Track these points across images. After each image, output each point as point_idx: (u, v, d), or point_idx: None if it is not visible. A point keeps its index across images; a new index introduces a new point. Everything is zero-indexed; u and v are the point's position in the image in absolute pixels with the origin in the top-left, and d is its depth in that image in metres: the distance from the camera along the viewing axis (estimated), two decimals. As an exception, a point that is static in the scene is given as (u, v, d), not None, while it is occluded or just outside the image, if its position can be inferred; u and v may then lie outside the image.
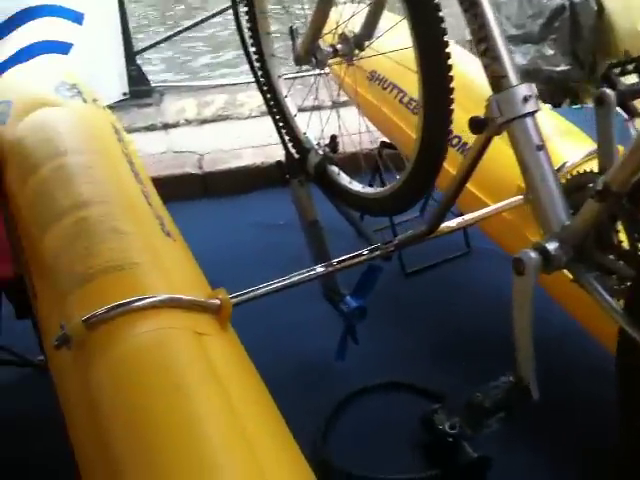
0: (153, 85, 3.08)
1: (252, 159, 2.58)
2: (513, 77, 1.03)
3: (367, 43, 1.29)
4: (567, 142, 1.53)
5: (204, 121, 2.85)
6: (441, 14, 1.04)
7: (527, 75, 3.00)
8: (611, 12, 2.61)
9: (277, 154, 2.55)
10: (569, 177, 1.05)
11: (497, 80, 1.03)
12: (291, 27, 1.36)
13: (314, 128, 1.54)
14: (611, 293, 0.92)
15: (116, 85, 2.87)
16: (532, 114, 1.03)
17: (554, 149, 1.46)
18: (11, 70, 1.80)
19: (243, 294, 1.16)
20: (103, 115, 1.61)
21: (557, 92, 2.91)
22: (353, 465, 1.37)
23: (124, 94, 2.89)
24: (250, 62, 1.42)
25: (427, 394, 1.53)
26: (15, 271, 1.28)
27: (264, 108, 2.81)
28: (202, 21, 3.17)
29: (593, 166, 1.40)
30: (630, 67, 1.05)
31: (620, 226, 0.93)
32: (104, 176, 1.33)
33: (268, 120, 2.77)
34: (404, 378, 1.58)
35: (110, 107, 2.91)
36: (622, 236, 0.94)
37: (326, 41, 1.34)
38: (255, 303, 1.22)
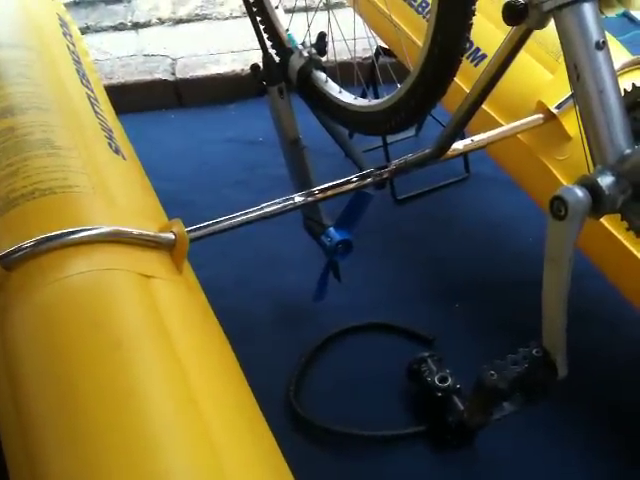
0: (124, -22, 2.74)
1: (231, 65, 2.31)
2: None
3: None
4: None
5: (179, 21, 2.54)
6: None
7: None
8: None
9: (260, 59, 2.31)
10: (628, 91, 0.82)
11: None
12: None
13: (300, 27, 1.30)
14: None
15: (81, -25, 2.55)
16: None
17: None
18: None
19: (203, 227, 0.95)
20: (47, 3, 1.35)
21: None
22: (331, 418, 1.21)
23: (90, -13, 2.58)
24: None
25: (415, 336, 1.37)
26: None
27: (247, 8, 2.55)
28: None
29: (631, 79, 1.20)
30: None
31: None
32: (41, 76, 1.10)
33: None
34: (389, 319, 1.41)
35: (76, 3, 2.64)
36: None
37: None
38: (228, 232, 1.02)
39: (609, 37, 1.34)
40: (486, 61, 1.29)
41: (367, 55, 1.98)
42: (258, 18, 1.25)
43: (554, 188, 1.18)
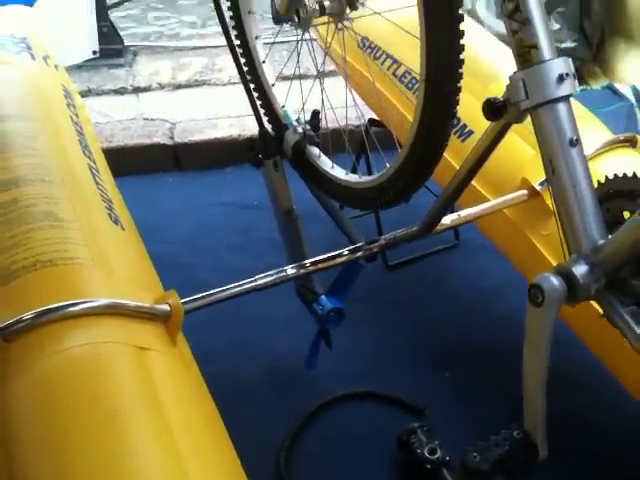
0: (126, 44, 2.84)
1: (228, 130, 2.38)
2: (547, 48, 0.82)
3: (361, 0, 1.09)
4: (581, 129, 1.35)
5: (179, 86, 2.63)
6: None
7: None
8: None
9: (256, 126, 2.39)
10: (601, 183, 0.87)
11: (526, 51, 0.82)
12: None
13: (294, 101, 1.35)
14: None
15: (85, 42, 2.64)
16: (567, 98, 0.83)
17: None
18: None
19: (198, 299, 0.98)
20: (53, 75, 1.41)
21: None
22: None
23: (94, 52, 2.66)
24: (221, 18, 1.22)
25: (405, 406, 1.38)
26: None
27: (245, 75, 2.64)
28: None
29: (612, 158, 1.26)
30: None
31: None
32: (45, 148, 1.14)
33: (249, 88, 2.59)
34: (380, 386, 1.42)
35: (78, 67, 2.72)
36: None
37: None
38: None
39: (591, 115, 1.42)
40: (473, 137, 1.35)
41: (359, 123, 2.06)
42: (255, 94, 1.30)
43: (539, 262, 1.22)
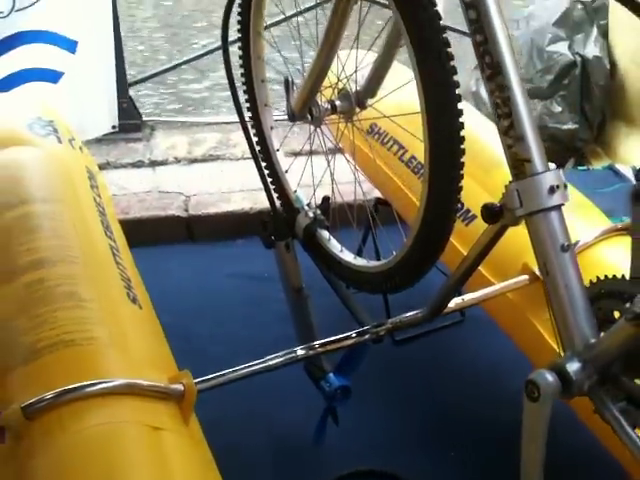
0: (144, 119, 2.97)
1: (241, 204, 2.46)
2: (539, 162, 0.89)
3: (370, 102, 1.17)
4: (579, 217, 1.40)
5: (194, 160, 2.73)
6: (456, 78, 0.92)
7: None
8: (624, 73, 2.56)
9: (266, 200, 2.46)
10: (596, 281, 0.92)
11: (520, 164, 0.89)
12: (287, 78, 1.24)
13: (305, 183, 1.43)
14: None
15: (105, 117, 2.76)
16: (558, 207, 0.90)
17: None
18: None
19: (210, 379, 1.02)
20: (78, 157, 1.48)
21: (562, 152, 2.83)
22: None
23: (113, 127, 2.78)
24: (239, 110, 1.30)
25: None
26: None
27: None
28: (195, 58, 3.10)
29: (608, 247, 1.30)
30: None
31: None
32: (69, 230, 1.20)
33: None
34: (385, 465, 1.43)
35: (98, 140, 2.83)
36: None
37: (324, 95, 1.22)
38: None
39: (589, 203, 1.48)
40: (476, 222, 1.41)
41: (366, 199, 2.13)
42: (269, 179, 1.38)
43: (540, 344, 1.25)
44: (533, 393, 0.81)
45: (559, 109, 2.51)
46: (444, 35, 0.89)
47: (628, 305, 0.82)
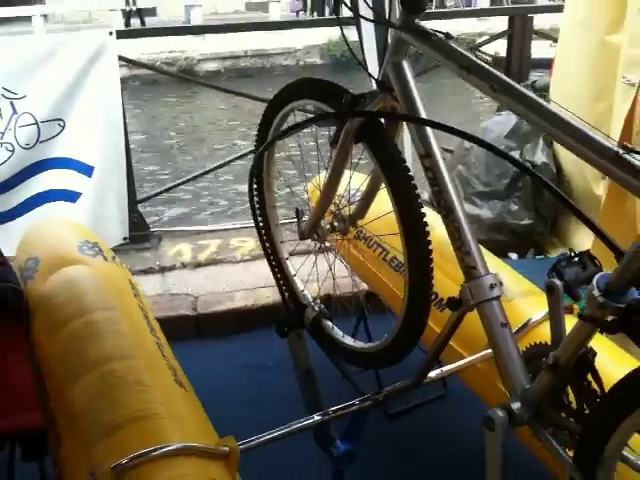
0: (152, 230, 3.32)
1: (243, 301, 2.77)
2: (481, 268, 1.26)
3: (360, 222, 1.54)
4: (531, 301, 1.74)
5: (199, 264, 3.06)
6: (422, 208, 1.29)
7: (494, 228, 3.33)
8: (569, 175, 2.99)
9: (266, 297, 2.78)
10: (528, 347, 1.26)
11: (469, 269, 1.26)
12: (297, 209, 1.62)
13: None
14: (563, 446, 1.10)
15: (118, 230, 3.11)
16: (497, 298, 1.25)
17: (520, 307, 1.68)
18: (34, 226, 2.01)
19: (250, 441, 1.31)
20: (121, 272, 1.81)
21: (522, 243, 3.21)
22: None
23: (124, 239, 3.12)
24: (258, 230, 1.66)
25: None
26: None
27: (255, 252, 3.09)
28: (197, 176, 3.52)
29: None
30: (574, 260, 1.27)
31: (569, 390, 1.12)
32: (126, 331, 1.51)
33: (258, 264, 3.03)
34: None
35: (112, 250, 3.15)
36: (571, 397, 1.13)
37: (325, 220, 1.60)
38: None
39: (537, 290, 1.82)
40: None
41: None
42: (282, 283, 1.72)
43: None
44: (490, 425, 1.13)
45: (516, 207, 2.90)
46: (412, 182, 1.26)
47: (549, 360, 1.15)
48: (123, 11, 13.61)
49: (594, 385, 1.10)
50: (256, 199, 1.72)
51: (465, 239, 1.25)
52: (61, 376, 1.41)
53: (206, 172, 3.60)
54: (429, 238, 1.30)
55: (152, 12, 16.18)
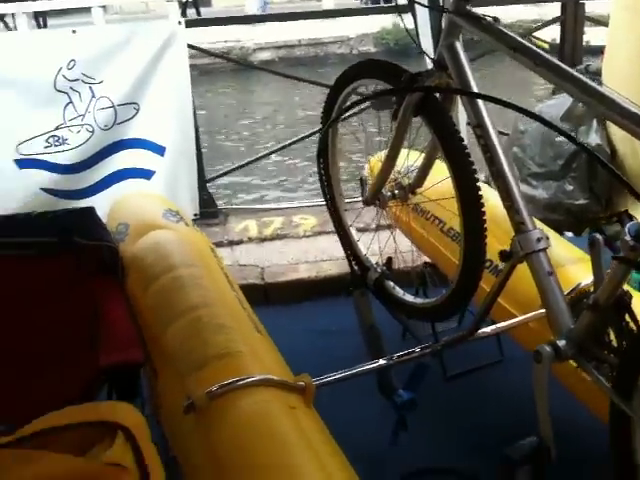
0: (219, 208, 3.51)
1: (307, 273, 2.94)
2: (529, 224, 1.40)
3: (418, 190, 1.68)
4: (581, 268, 1.82)
5: (264, 239, 3.24)
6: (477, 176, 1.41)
7: (549, 208, 3.41)
8: (622, 155, 3.03)
9: (328, 269, 2.94)
10: (572, 295, 1.39)
11: (518, 225, 1.40)
12: (361, 178, 1.77)
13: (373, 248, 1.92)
14: (604, 377, 1.23)
15: (189, 207, 3.30)
16: (544, 250, 1.39)
17: (571, 273, 1.77)
18: (122, 197, 2.22)
19: (323, 378, 1.47)
20: (201, 237, 1.99)
21: (577, 223, 3.27)
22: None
23: (195, 215, 3.32)
24: (326, 200, 1.83)
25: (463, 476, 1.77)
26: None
27: (317, 229, 3.25)
28: (264, 156, 3.70)
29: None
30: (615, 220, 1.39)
31: (609, 327, 1.25)
32: (208, 285, 1.68)
33: (320, 240, 3.18)
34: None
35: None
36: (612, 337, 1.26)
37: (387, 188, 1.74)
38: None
39: (588, 258, 1.91)
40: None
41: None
42: (346, 246, 1.87)
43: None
44: (538, 358, 1.27)
45: (571, 188, 2.96)
46: (466, 151, 1.39)
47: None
48: (179, 2, 13.96)
49: (632, 325, 1.24)
50: (323, 172, 1.87)
51: (515, 198, 1.39)
52: (154, 324, 1.60)
53: (269, 153, 3.78)
54: (482, 202, 1.43)
55: (207, 3, 16.49)
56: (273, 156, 4.78)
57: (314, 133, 3.54)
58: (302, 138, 3.73)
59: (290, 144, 3.77)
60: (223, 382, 1.32)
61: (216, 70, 11.19)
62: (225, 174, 3.73)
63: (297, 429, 1.25)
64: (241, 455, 1.20)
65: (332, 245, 3.14)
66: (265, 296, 2.86)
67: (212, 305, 1.58)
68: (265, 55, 13.70)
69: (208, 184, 3.49)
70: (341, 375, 1.49)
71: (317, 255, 3.06)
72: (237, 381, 1.33)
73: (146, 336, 1.58)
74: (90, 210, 1.77)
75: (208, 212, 3.39)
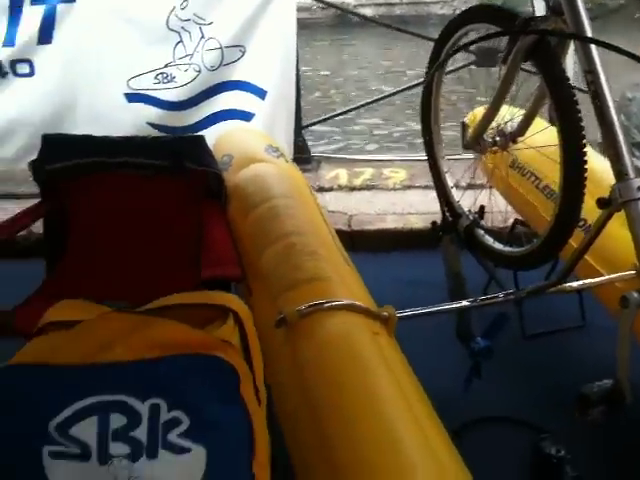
0: (312, 155, 3.59)
1: (394, 224, 2.98)
2: (631, 171, 1.40)
3: (520, 139, 1.68)
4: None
5: (354, 188, 3.30)
6: (582, 122, 1.41)
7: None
8: None
9: (415, 222, 2.97)
10: None
11: (619, 172, 1.40)
12: (463, 122, 1.79)
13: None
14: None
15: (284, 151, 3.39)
16: None
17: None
18: (228, 130, 2.33)
19: (405, 312, 1.52)
20: (299, 173, 2.08)
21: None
22: None
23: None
24: (426, 144, 1.86)
25: (534, 429, 1.79)
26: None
27: (406, 183, 3.27)
28: (361, 106, 3.73)
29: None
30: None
31: None
32: (303, 216, 1.77)
33: (408, 193, 3.21)
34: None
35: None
36: None
37: (487, 135, 1.76)
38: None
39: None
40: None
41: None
42: (440, 192, 1.91)
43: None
44: (625, 303, 1.27)
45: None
46: (575, 98, 1.38)
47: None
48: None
49: None
50: (424, 118, 1.90)
51: (619, 145, 1.38)
52: (251, 249, 1.70)
53: (367, 103, 3.79)
54: (585, 150, 1.43)
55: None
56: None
57: (417, 85, 3.55)
58: (403, 90, 3.73)
59: (391, 95, 3.77)
60: (311, 302, 1.40)
61: (315, 24, 11.17)
62: (319, 122, 3.79)
63: (379, 354, 1.32)
64: (324, 371, 1.28)
65: (420, 199, 3.17)
66: (351, 243, 2.92)
67: (305, 234, 1.66)
68: (365, 12, 13.52)
69: (303, 130, 3.56)
70: (424, 310, 1.54)
71: (405, 208, 3.09)
72: (325, 303, 1.40)
73: (243, 258, 1.69)
74: (200, 138, 1.88)
75: (302, 158, 3.47)
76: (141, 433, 0.77)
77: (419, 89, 2.33)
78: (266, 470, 0.89)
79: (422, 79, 3.18)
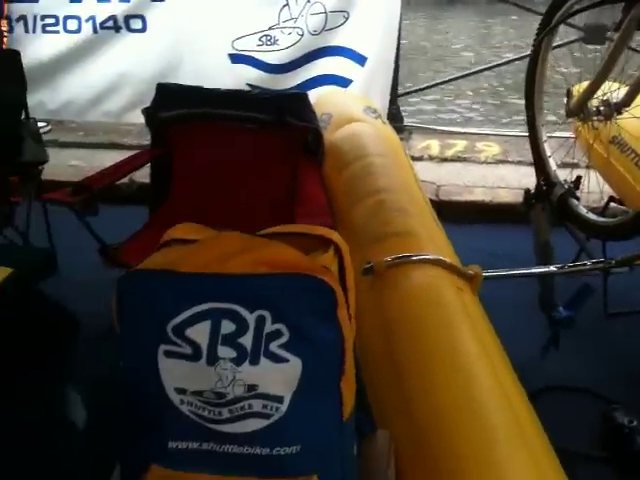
0: (405, 124, 3.61)
1: (482, 197, 2.98)
2: None
3: (625, 110, 1.67)
4: None
5: (444, 159, 3.31)
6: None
7: None
8: None
9: (504, 196, 2.96)
10: None
11: None
12: (568, 89, 1.78)
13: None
14: None
15: (378, 119, 3.43)
16: None
17: None
18: (328, 90, 2.40)
19: (492, 272, 1.56)
20: (394, 135, 2.13)
21: None
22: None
23: (381, 127, 3.44)
24: (527, 110, 1.88)
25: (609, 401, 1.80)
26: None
27: (498, 157, 3.25)
28: (462, 76, 3.71)
29: None
30: None
31: None
32: (396, 174, 1.82)
33: (500, 168, 3.19)
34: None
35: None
36: None
37: (592, 104, 1.75)
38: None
39: None
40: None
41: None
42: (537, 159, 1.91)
43: None
44: None
45: None
46: None
47: None
48: None
49: None
50: (529, 86, 1.91)
51: None
52: (343, 203, 1.77)
53: (461, 76, 3.76)
54: None
55: None
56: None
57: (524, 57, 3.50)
58: (508, 62, 3.69)
59: (492, 67, 3.73)
60: (395, 255, 1.45)
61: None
62: (416, 91, 3.80)
63: (463, 310, 1.35)
64: (407, 320, 1.32)
65: (511, 174, 3.15)
66: (438, 212, 2.94)
67: (396, 192, 1.72)
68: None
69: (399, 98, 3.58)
70: (509, 272, 1.57)
71: (495, 182, 3.08)
72: (412, 256, 1.45)
73: (336, 212, 1.77)
74: (304, 95, 1.95)
75: (394, 126, 3.46)
76: (247, 340, 0.85)
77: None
78: (352, 392, 0.95)
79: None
